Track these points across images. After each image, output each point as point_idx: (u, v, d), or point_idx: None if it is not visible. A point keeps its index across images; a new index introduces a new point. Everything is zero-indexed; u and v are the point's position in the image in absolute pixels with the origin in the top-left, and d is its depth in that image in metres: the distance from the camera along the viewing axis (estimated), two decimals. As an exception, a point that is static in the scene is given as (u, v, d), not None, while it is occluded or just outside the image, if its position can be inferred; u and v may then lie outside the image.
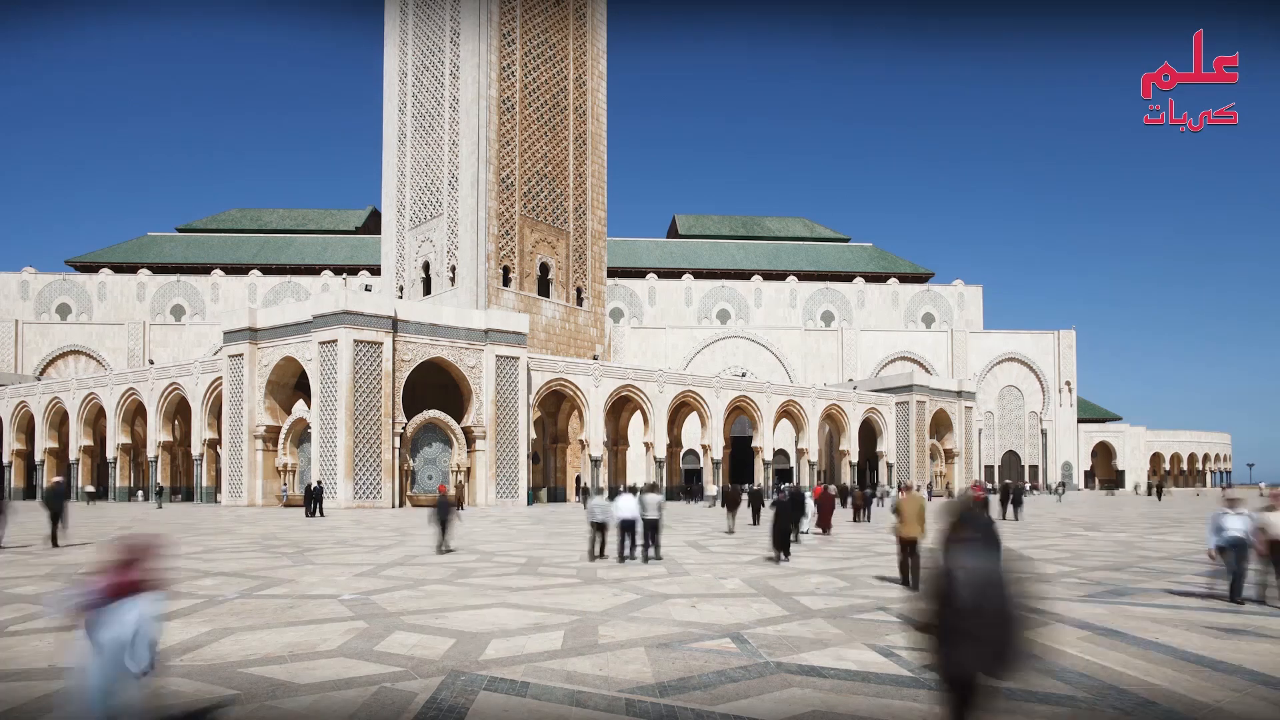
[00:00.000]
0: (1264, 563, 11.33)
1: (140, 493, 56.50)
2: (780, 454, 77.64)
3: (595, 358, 58.35)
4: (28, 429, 63.63)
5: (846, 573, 14.82)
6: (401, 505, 42.43)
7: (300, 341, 43.05)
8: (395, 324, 42.61)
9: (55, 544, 19.46)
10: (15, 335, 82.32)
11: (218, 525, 29.15)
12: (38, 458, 61.52)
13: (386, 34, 67.90)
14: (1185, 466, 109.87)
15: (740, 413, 64.21)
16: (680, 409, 60.39)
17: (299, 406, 46.01)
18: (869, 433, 72.63)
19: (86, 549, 19.08)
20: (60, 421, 61.61)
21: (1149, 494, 63.16)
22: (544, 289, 63.40)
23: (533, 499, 49.44)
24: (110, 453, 57.43)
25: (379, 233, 74.55)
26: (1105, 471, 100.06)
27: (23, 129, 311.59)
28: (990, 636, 4.13)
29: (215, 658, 7.84)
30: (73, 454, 59.51)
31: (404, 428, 42.84)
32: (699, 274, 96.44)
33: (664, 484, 56.95)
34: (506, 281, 60.19)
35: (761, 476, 63.05)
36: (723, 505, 26.39)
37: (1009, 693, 6.54)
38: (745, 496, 30.89)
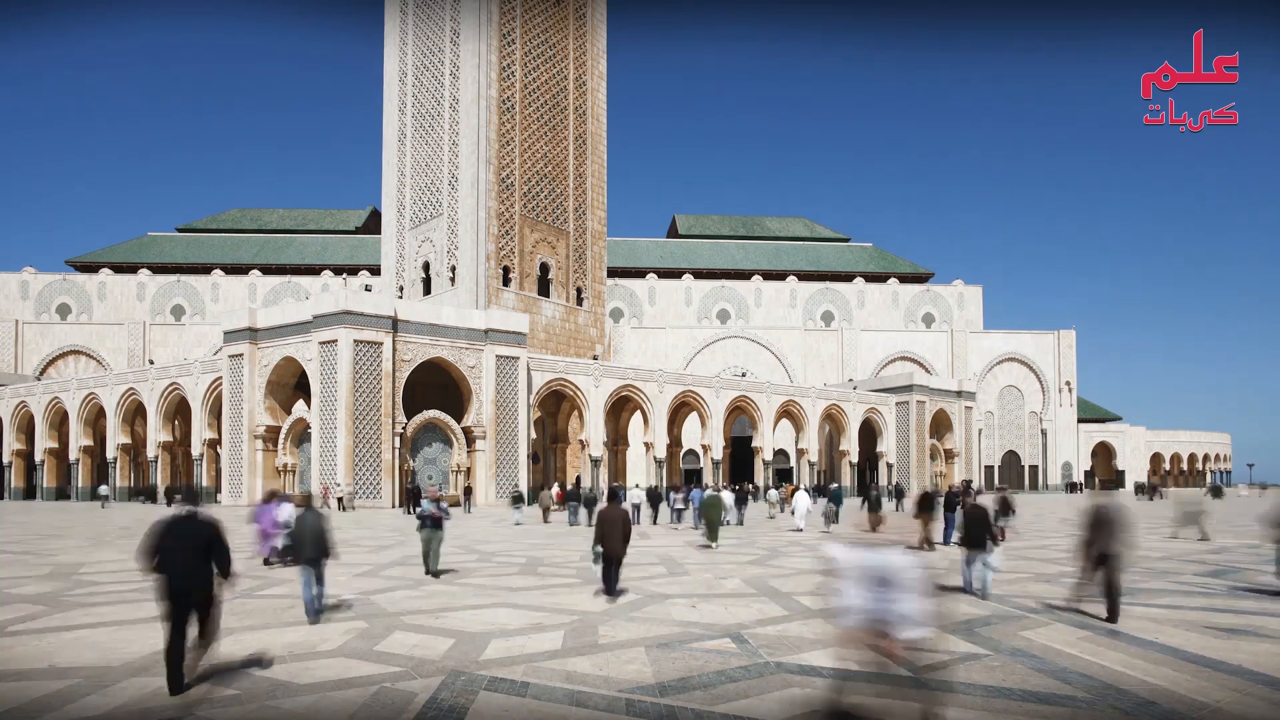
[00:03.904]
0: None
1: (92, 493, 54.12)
2: (780, 454, 77.64)
3: (595, 358, 58.36)
4: (28, 429, 63.64)
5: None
6: (402, 505, 42.40)
7: (300, 341, 43.05)
8: (395, 324, 42.62)
9: None
10: (15, 335, 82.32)
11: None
12: (38, 458, 61.52)
13: (386, 34, 67.92)
14: (1185, 466, 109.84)
15: (740, 413, 64.20)
16: (680, 409, 60.39)
17: (299, 406, 46.01)
18: (869, 433, 72.62)
19: None
20: (60, 421, 61.61)
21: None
22: (544, 289, 63.41)
23: (533, 499, 49.42)
24: (110, 453, 57.43)
25: (379, 233, 74.57)
26: (1105, 471, 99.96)
27: (23, 129, 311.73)
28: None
29: (215, 658, 7.84)
30: (73, 454, 59.52)
31: (404, 428, 42.84)
32: (699, 274, 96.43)
33: (664, 484, 56.97)
34: (506, 281, 60.20)
35: (762, 477, 63.06)
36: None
37: (1008, 693, 6.55)
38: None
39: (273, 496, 17.26)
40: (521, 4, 62.78)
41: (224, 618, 10.07)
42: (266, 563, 16.19)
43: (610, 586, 11.95)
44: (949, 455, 76.15)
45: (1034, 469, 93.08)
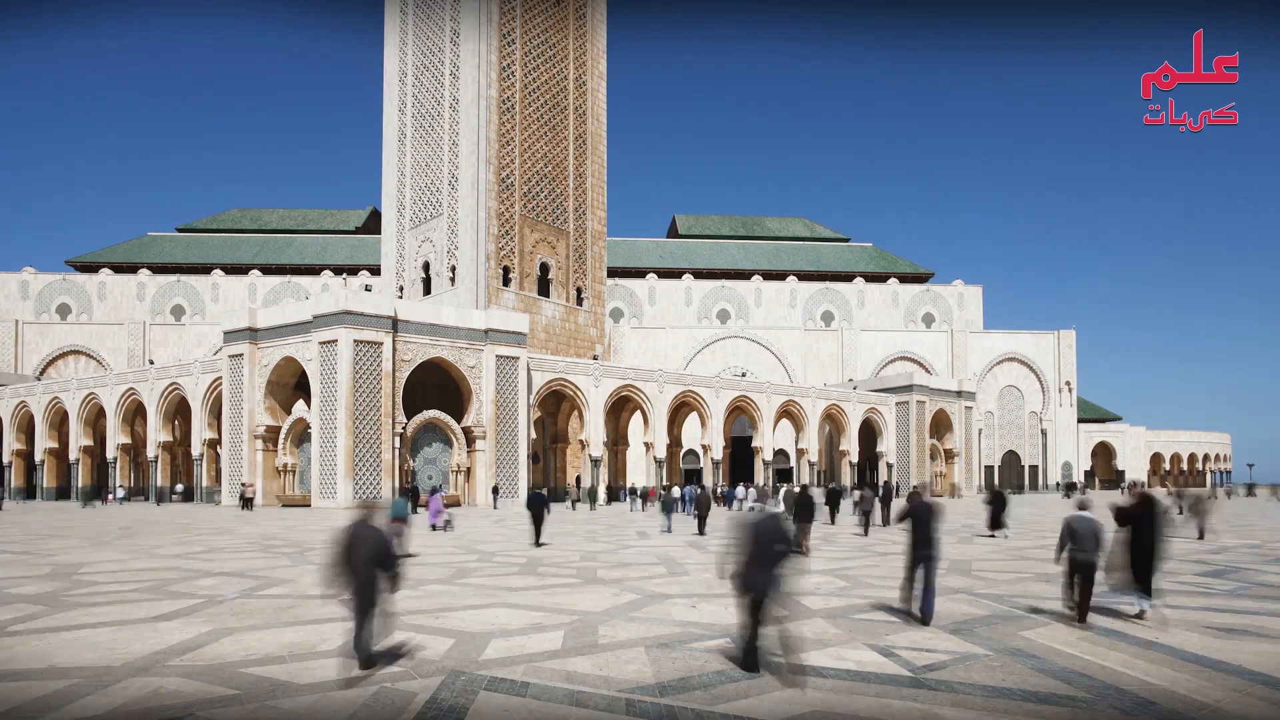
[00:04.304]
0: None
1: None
2: (780, 454, 77.63)
3: (595, 358, 58.35)
4: (28, 429, 63.62)
5: (846, 573, 14.82)
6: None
7: (300, 341, 43.05)
8: (395, 324, 42.61)
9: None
10: (15, 335, 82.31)
11: (217, 525, 29.15)
12: (38, 458, 61.51)
13: (386, 34, 67.92)
14: (1185, 466, 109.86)
15: (740, 413, 64.19)
16: (680, 409, 60.37)
17: (299, 406, 46.01)
18: (869, 433, 72.60)
19: None
20: (60, 421, 61.61)
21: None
22: (544, 289, 63.40)
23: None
24: (110, 453, 57.43)
25: (379, 233, 74.58)
26: (1105, 471, 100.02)
27: (23, 129, 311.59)
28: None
29: (215, 658, 7.84)
30: (73, 454, 59.50)
31: (404, 428, 42.84)
32: (699, 274, 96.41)
33: (663, 483, 56.94)
34: (506, 281, 60.20)
35: (762, 477, 63.04)
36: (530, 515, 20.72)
37: (1008, 693, 6.55)
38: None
39: (435, 490, 32.17)
40: (521, 4, 62.77)
41: (224, 618, 10.10)
42: (433, 528, 26.01)
43: (701, 528, 25.41)
44: (949, 455, 76.12)
45: (1034, 469, 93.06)
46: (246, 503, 40.80)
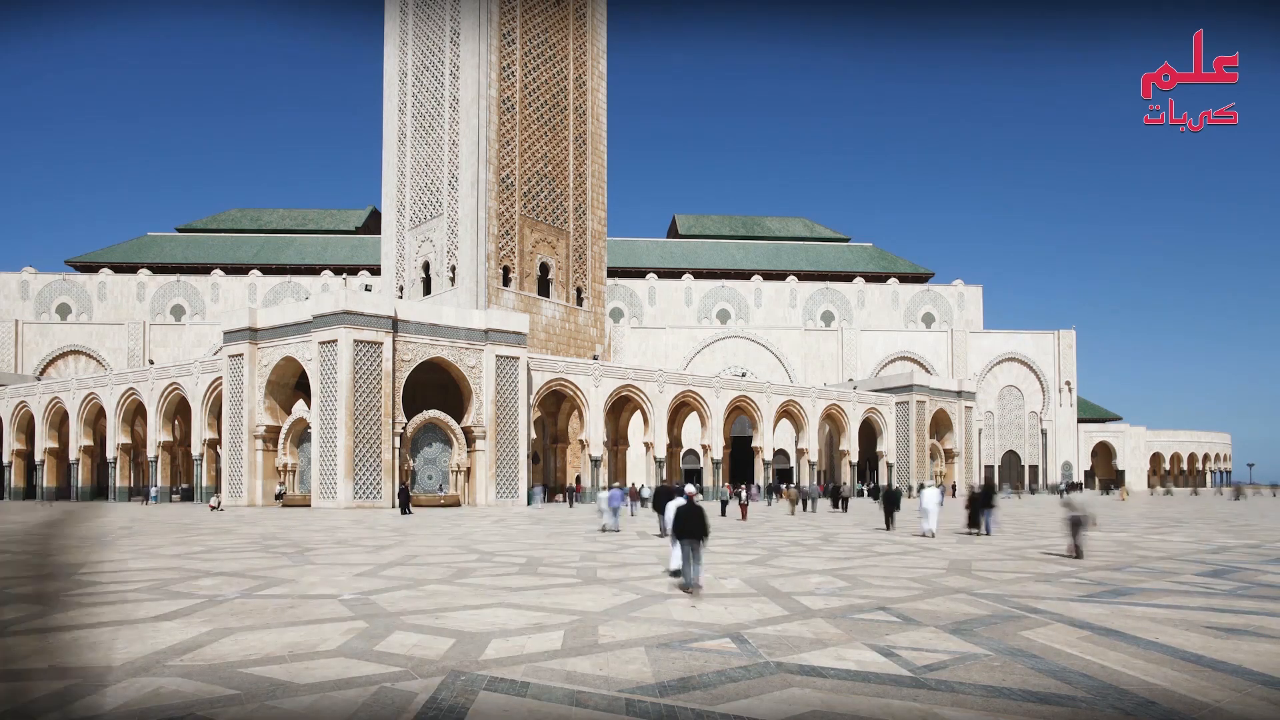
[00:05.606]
0: None
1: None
2: (780, 454, 77.66)
3: (595, 358, 58.35)
4: (28, 429, 63.63)
5: (846, 573, 14.82)
6: (398, 505, 42.36)
7: (300, 341, 43.06)
8: (395, 324, 42.62)
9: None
10: (15, 335, 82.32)
11: (218, 525, 29.16)
12: (38, 458, 61.52)
13: (386, 34, 67.93)
14: (1185, 466, 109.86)
15: (740, 413, 64.21)
16: (680, 409, 60.38)
17: (299, 406, 46.02)
18: (869, 433, 72.62)
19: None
20: (60, 421, 61.62)
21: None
22: (544, 289, 63.42)
23: (533, 499, 49.45)
24: (110, 453, 57.44)
25: (379, 233, 74.60)
26: (1105, 471, 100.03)
27: (23, 129, 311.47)
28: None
29: (215, 658, 7.84)
30: (73, 454, 59.52)
31: (404, 428, 42.85)
32: (699, 274, 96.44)
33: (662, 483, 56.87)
34: (506, 281, 60.21)
35: (762, 476, 63.07)
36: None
37: (1008, 693, 6.55)
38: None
39: (615, 483, 37.45)
40: (521, 4, 62.78)
41: (224, 618, 10.09)
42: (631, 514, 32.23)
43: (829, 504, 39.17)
44: (949, 455, 76.13)
45: (1034, 469, 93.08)
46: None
